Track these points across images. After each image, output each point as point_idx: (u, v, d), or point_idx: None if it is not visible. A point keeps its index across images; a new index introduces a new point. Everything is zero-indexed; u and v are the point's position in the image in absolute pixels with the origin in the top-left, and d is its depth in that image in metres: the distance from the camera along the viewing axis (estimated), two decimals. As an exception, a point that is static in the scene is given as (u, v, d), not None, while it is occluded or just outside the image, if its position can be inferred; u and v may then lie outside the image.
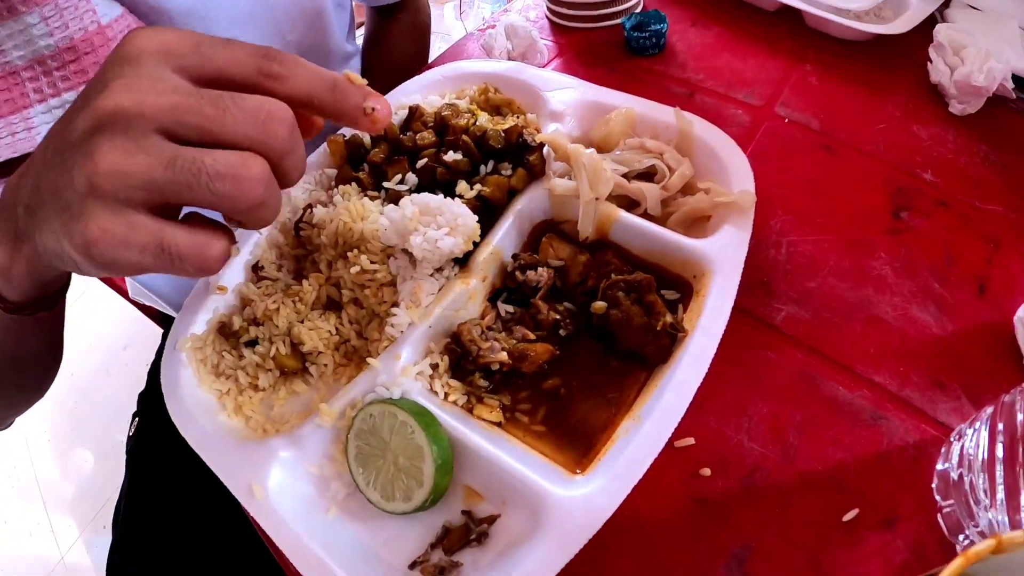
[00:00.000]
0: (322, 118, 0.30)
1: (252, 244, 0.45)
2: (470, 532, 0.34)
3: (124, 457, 0.68)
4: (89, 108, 0.25)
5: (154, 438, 0.70)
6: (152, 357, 0.77)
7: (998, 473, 0.33)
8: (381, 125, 0.30)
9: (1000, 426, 0.34)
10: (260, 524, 0.35)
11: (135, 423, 0.72)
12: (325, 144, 0.48)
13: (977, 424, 0.36)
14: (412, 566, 0.34)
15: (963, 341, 0.42)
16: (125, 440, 0.72)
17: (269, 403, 0.42)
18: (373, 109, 0.29)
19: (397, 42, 0.78)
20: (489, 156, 0.44)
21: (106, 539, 1.40)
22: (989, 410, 0.36)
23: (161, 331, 0.83)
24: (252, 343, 0.42)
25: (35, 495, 1.48)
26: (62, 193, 0.26)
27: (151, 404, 0.73)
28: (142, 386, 0.76)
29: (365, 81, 0.30)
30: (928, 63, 0.60)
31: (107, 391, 1.60)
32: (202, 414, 0.40)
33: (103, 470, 1.48)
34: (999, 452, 0.34)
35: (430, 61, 0.64)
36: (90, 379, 1.62)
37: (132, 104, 0.25)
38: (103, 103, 0.25)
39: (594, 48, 0.66)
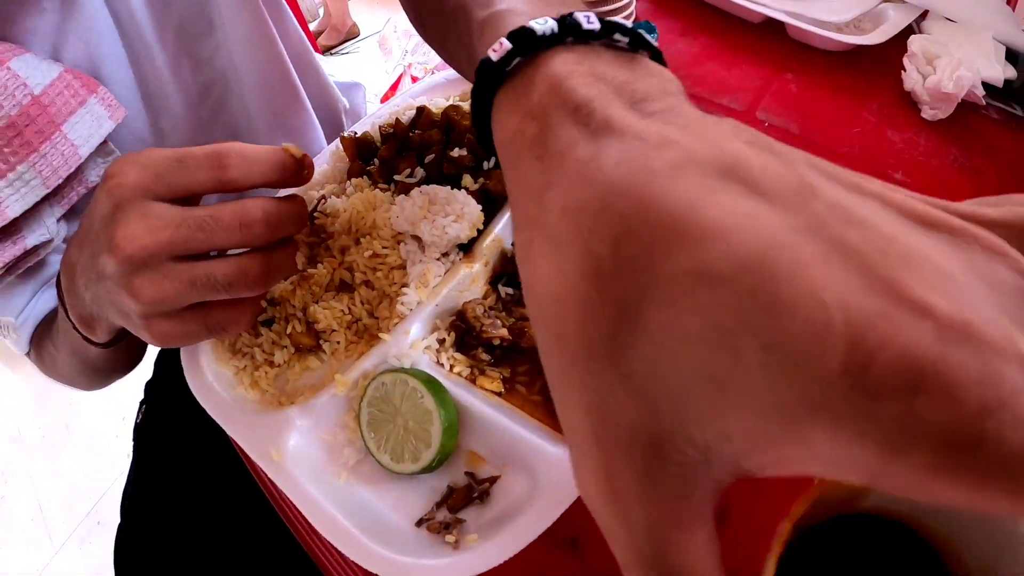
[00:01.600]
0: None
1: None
2: (473, 491, 0.37)
3: (118, 453, 0.71)
4: (109, 253, 0.32)
5: (161, 424, 0.73)
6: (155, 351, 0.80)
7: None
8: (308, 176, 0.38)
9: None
10: (279, 486, 0.38)
11: (142, 410, 0.75)
12: (337, 141, 0.52)
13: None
14: (419, 524, 0.37)
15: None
16: (129, 430, 0.75)
17: (284, 378, 0.45)
18: (309, 172, 0.38)
19: None
20: (492, 153, 0.47)
21: (100, 534, 1.41)
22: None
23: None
24: (268, 322, 0.46)
25: (29, 491, 1.49)
26: (122, 309, 0.35)
27: (158, 391, 0.76)
28: (135, 385, 0.79)
29: (300, 152, 0.37)
30: (902, 71, 0.64)
31: (103, 390, 1.63)
32: (221, 387, 0.44)
33: (97, 466, 1.49)
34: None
35: (433, 67, 0.67)
36: None
37: (138, 250, 0.32)
38: (120, 252, 0.32)
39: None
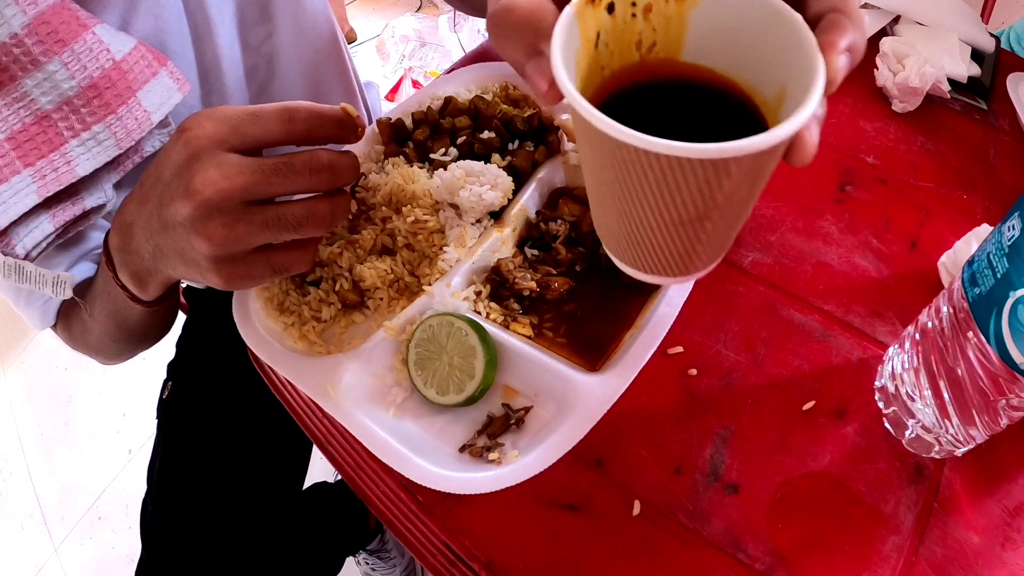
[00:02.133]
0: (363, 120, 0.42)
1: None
2: (510, 419, 0.43)
3: (118, 450, 0.73)
4: (184, 199, 0.35)
5: (188, 399, 0.77)
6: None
7: (920, 373, 0.43)
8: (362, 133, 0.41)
9: (916, 336, 0.44)
10: (335, 418, 0.44)
11: (168, 387, 0.79)
12: (375, 124, 0.57)
13: (900, 342, 0.46)
14: (462, 449, 0.43)
15: (897, 282, 0.52)
16: (129, 426, 0.78)
17: (331, 332, 0.50)
18: (362, 131, 0.41)
19: None
20: (515, 136, 0.54)
21: (101, 530, 1.41)
22: (909, 328, 0.46)
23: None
24: (315, 282, 0.51)
25: (27, 488, 1.48)
26: (188, 255, 0.37)
27: (182, 369, 0.80)
28: (136, 382, 0.82)
29: (355, 112, 0.41)
30: (875, 70, 0.71)
31: (102, 385, 1.61)
32: (272, 339, 0.48)
33: (96, 463, 1.49)
34: (918, 358, 0.44)
35: (453, 63, 0.73)
36: (86, 373, 1.64)
37: (216, 193, 0.35)
38: (198, 196, 0.35)
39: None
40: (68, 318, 0.56)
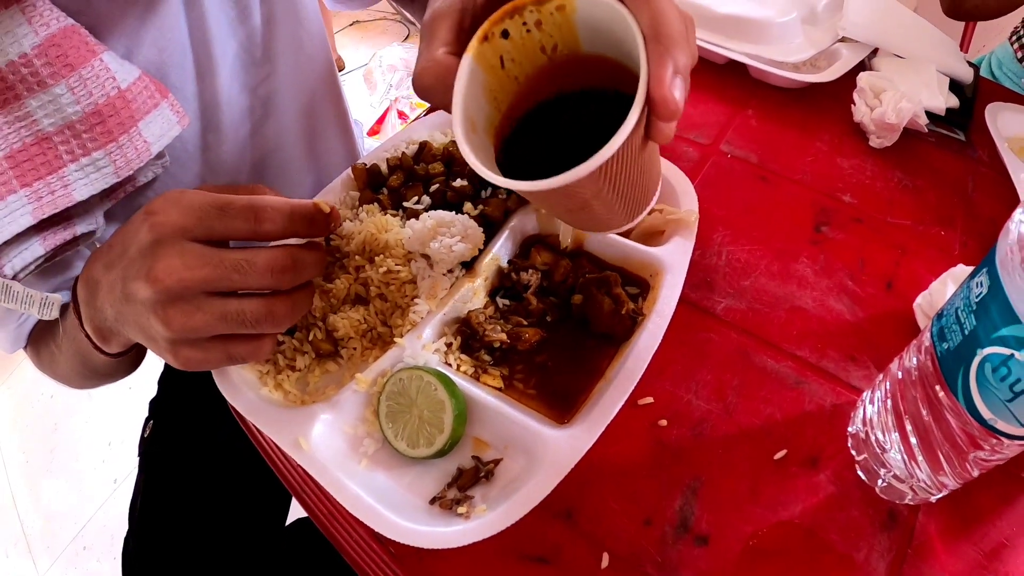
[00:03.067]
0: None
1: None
2: (479, 472, 0.43)
3: (104, 479, 0.73)
4: (146, 282, 0.36)
5: (169, 438, 0.77)
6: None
7: (890, 424, 0.43)
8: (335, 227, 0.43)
9: (887, 385, 0.44)
10: (308, 471, 0.44)
11: (150, 425, 0.79)
12: (349, 170, 0.58)
13: (873, 390, 0.46)
14: (432, 501, 0.43)
15: (872, 325, 0.52)
16: (115, 455, 0.78)
17: (305, 381, 0.50)
18: (336, 224, 0.43)
19: None
20: (487, 184, 0.54)
21: (86, 560, 1.41)
22: (880, 376, 0.46)
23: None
24: (290, 331, 0.51)
25: (12, 516, 1.48)
26: (149, 333, 0.38)
27: (164, 408, 0.80)
28: (122, 410, 0.83)
29: (328, 207, 0.42)
30: (852, 105, 0.71)
31: (88, 413, 1.61)
32: (247, 388, 0.48)
33: (82, 491, 1.49)
34: (889, 408, 0.44)
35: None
36: (72, 401, 1.64)
37: (176, 282, 0.35)
38: (158, 284, 0.35)
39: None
40: (38, 344, 0.56)
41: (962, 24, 1.24)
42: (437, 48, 0.34)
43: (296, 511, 0.85)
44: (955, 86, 0.76)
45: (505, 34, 0.34)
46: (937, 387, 0.39)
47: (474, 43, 0.33)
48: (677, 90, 0.29)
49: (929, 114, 0.70)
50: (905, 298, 0.54)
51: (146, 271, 0.36)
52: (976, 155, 0.71)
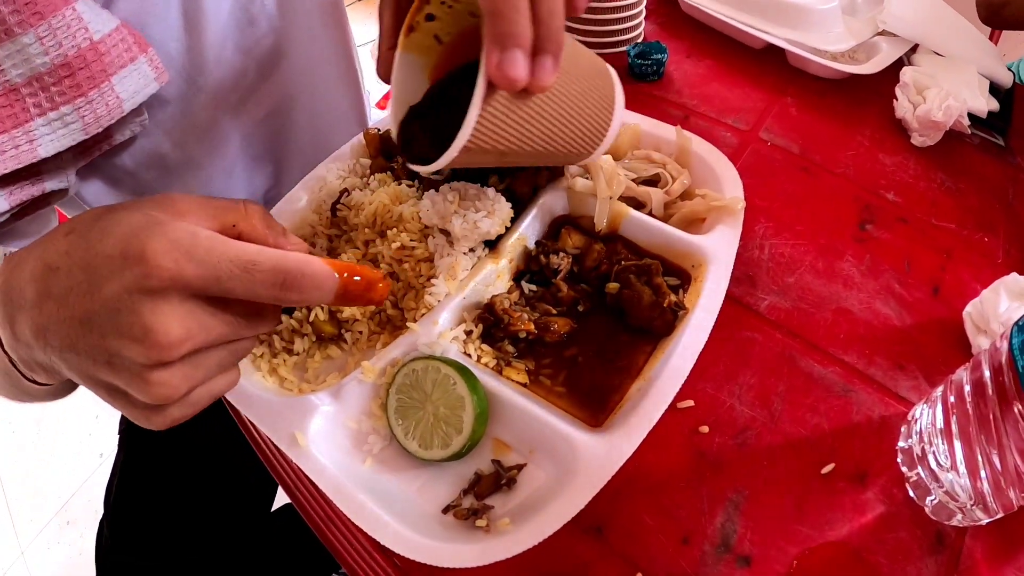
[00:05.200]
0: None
1: (285, 222, 0.49)
2: (500, 478, 0.38)
3: (90, 452, 0.68)
4: (141, 345, 0.27)
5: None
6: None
7: (954, 440, 0.39)
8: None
9: (951, 399, 0.40)
10: (305, 471, 0.39)
11: None
12: (361, 135, 0.53)
13: (930, 403, 0.42)
14: (446, 510, 0.38)
15: (920, 332, 0.48)
16: (102, 430, 0.74)
17: (303, 366, 0.45)
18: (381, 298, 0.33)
19: None
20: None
21: (69, 534, 1.37)
22: (940, 389, 0.42)
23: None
24: (289, 310, 0.46)
25: None
26: (125, 397, 0.29)
27: None
28: None
29: (382, 275, 0.33)
30: (894, 100, 0.67)
31: (75, 393, 1.59)
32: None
33: (67, 465, 1.47)
34: (953, 423, 0.40)
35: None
36: None
37: (193, 346, 0.28)
38: (156, 350, 0.27)
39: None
40: None
41: (988, 30, 1.22)
42: (383, 44, 0.40)
43: (284, 495, 0.80)
44: (994, 90, 0.73)
45: (430, 17, 0.38)
46: (1017, 404, 0.35)
47: (401, 38, 0.38)
48: (513, 66, 0.30)
49: (970, 116, 0.66)
50: (952, 305, 0.50)
51: (141, 329, 0.27)
52: (1015, 162, 0.68)
